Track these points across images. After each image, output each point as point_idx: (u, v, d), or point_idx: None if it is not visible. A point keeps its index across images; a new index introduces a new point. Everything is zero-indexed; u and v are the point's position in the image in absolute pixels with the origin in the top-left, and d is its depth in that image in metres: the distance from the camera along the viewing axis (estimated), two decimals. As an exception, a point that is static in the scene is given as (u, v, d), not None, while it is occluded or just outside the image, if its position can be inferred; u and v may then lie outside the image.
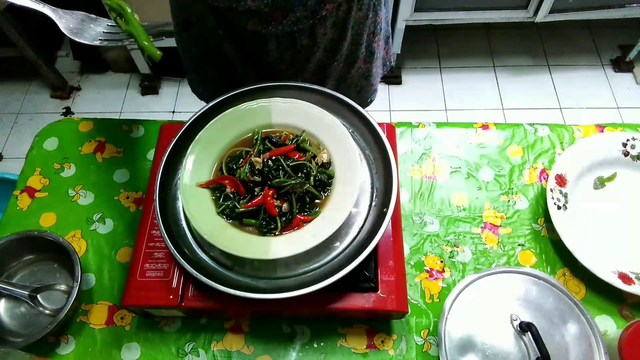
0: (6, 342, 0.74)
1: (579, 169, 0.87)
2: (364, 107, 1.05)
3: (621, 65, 2.16)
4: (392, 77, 2.16)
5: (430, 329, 0.77)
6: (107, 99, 2.17)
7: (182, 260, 0.63)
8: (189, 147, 0.71)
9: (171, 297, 0.69)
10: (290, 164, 0.68)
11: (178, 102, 2.15)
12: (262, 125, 0.74)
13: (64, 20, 0.66)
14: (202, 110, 0.75)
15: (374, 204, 0.70)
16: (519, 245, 0.84)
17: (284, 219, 0.66)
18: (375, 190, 0.71)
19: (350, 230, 0.68)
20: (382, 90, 2.14)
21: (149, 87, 2.17)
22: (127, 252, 0.84)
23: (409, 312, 0.71)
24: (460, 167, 0.92)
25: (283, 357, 0.75)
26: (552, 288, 0.74)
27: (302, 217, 0.67)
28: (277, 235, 0.66)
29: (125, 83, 2.21)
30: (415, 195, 0.89)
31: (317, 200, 0.69)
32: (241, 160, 0.71)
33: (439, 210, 0.88)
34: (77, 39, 0.65)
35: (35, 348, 0.73)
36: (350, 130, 0.74)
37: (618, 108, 2.06)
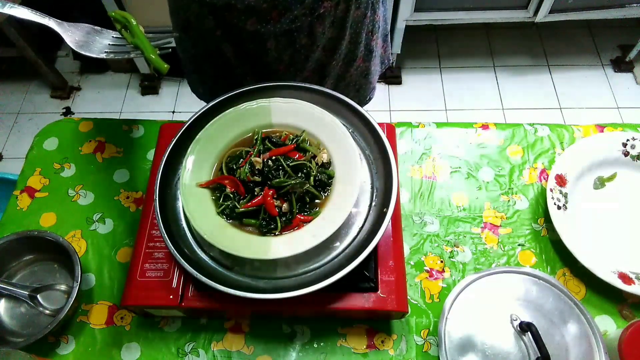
0: (6, 342, 0.74)
1: (579, 169, 0.87)
2: (362, 105, 1.06)
3: (621, 65, 2.16)
4: (392, 77, 2.16)
5: (430, 329, 0.77)
6: (107, 99, 2.17)
7: (182, 260, 0.63)
8: (189, 147, 0.71)
9: (171, 297, 0.69)
10: (290, 164, 0.68)
11: (178, 102, 2.15)
12: (262, 125, 0.74)
13: (70, 34, 0.65)
14: (202, 110, 0.75)
15: (374, 204, 0.70)
16: (519, 245, 0.84)
17: (284, 219, 0.66)
18: (375, 190, 0.71)
19: (350, 230, 0.68)
20: (382, 90, 2.14)
21: (149, 87, 2.17)
22: (127, 252, 0.84)
23: (409, 312, 0.71)
24: (460, 167, 0.92)
25: (283, 357, 0.75)
26: (552, 288, 0.74)
27: (302, 217, 0.67)
28: (277, 235, 0.66)
29: (125, 83, 2.21)
30: (415, 195, 0.89)
31: (317, 200, 0.69)
32: (241, 160, 0.71)
33: (439, 210, 0.88)
34: (84, 52, 0.65)
35: (35, 348, 0.73)
36: (350, 130, 0.74)
37: (618, 108, 2.06)
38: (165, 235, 0.65)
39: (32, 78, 2.20)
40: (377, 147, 0.73)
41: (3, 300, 0.80)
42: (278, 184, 0.67)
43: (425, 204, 0.88)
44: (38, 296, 0.78)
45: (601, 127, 0.95)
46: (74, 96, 2.19)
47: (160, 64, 0.66)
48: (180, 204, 0.71)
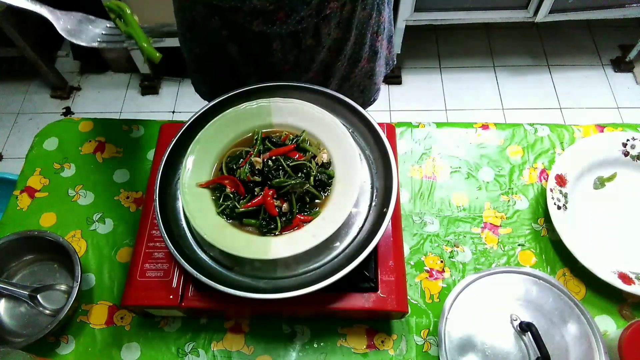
0: (6, 342, 0.74)
1: (579, 169, 0.87)
2: (367, 106, 1.06)
3: (621, 65, 2.16)
4: (392, 77, 2.15)
5: (430, 329, 0.77)
6: (107, 99, 2.17)
7: (182, 260, 0.63)
8: (189, 147, 0.71)
9: (171, 297, 0.69)
10: (290, 164, 0.68)
11: (178, 102, 2.15)
12: (262, 125, 0.74)
13: (62, 22, 0.65)
14: (202, 110, 0.75)
15: (374, 204, 0.70)
16: (519, 245, 0.84)
17: (284, 219, 0.66)
18: (375, 190, 0.71)
19: (350, 230, 0.68)
20: (382, 90, 2.12)
21: (149, 87, 2.17)
22: (127, 252, 0.84)
23: (409, 312, 0.71)
24: (460, 167, 0.92)
25: (283, 357, 0.75)
26: (552, 288, 0.74)
27: (302, 217, 0.67)
28: (277, 235, 0.66)
29: (125, 83, 2.21)
30: (415, 195, 0.89)
31: (317, 200, 0.69)
32: (241, 160, 0.71)
33: (439, 210, 0.88)
34: (74, 41, 0.64)
35: (35, 348, 0.73)
36: (350, 130, 0.74)
37: (618, 108, 2.06)
38: (165, 235, 0.65)
39: (32, 78, 2.20)
40: (377, 147, 0.73)
41: (3, 300, 0.80)
42: (278, 184, 0.67)
43: (425, 204, 0.88)
44: (38, 296, 0.78)
45: (601, 127, 0.95)
46: (74, 96, 2.19)
47: (153, 52, 0.66)
48: (180, 204, 0.71)
